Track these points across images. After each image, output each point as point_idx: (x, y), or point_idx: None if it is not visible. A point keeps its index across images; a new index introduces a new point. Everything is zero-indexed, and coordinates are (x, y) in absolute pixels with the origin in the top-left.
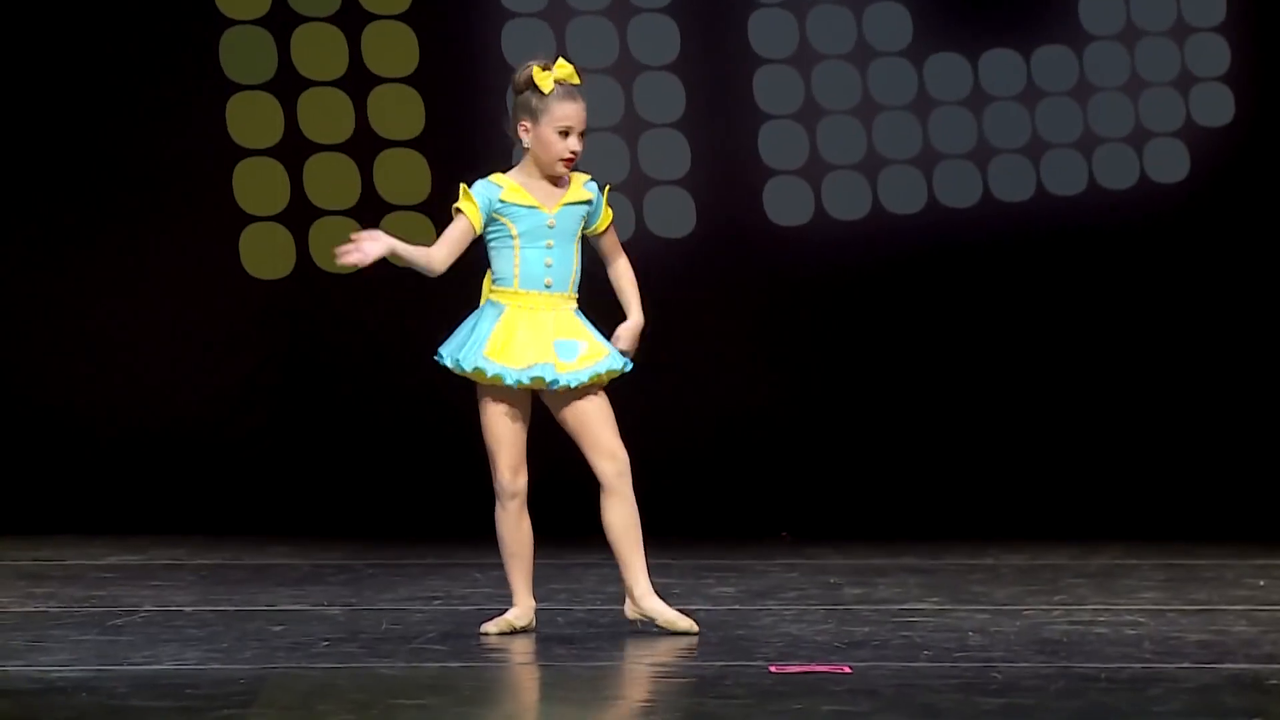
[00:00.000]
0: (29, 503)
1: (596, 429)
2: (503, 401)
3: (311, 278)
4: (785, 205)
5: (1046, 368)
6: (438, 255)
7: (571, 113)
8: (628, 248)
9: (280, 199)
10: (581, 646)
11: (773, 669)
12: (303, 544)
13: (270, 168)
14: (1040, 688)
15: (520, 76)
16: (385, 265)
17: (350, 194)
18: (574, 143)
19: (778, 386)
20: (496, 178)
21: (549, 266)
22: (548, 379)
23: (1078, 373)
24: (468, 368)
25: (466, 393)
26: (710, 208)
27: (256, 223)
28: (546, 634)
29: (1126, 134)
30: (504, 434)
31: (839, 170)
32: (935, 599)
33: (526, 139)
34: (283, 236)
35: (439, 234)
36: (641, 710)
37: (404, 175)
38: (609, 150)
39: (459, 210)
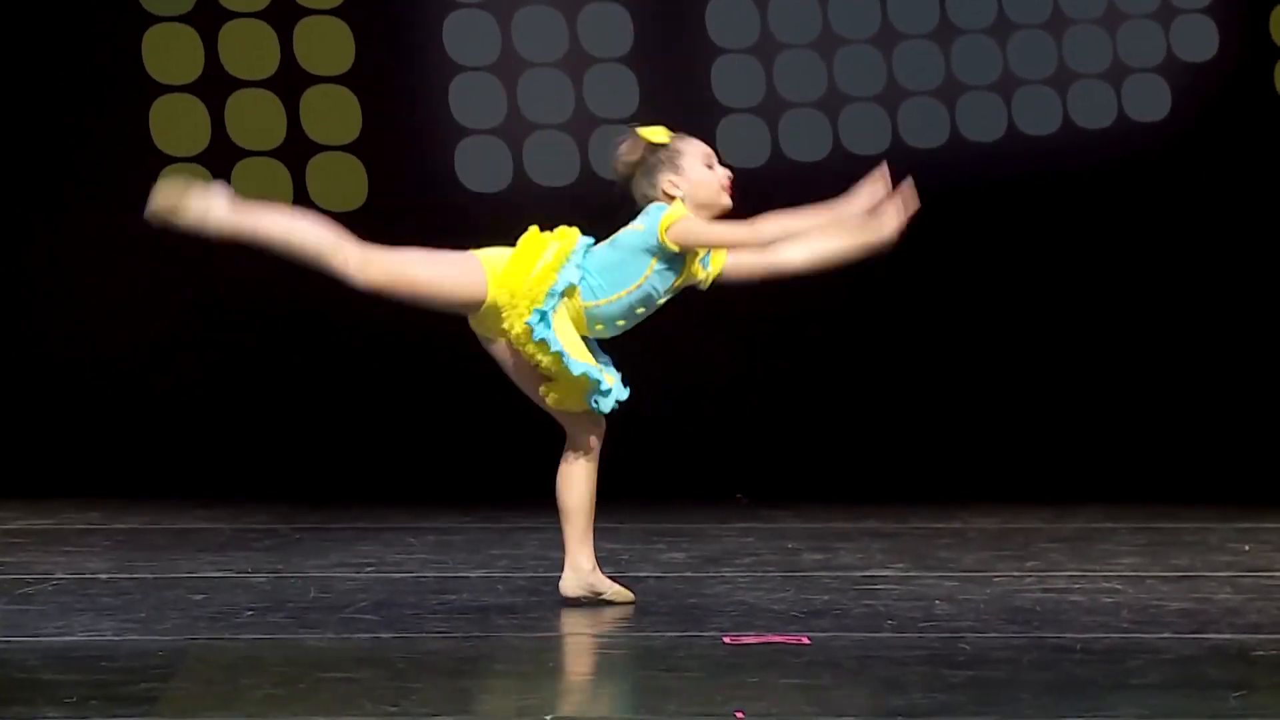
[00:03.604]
0: None
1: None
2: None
3: None
4: (740, 145)
5: (1018, 321)
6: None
7: (703, 144)
8: (570, 192)
9: (200, 139)
10: (524, 616)
11: (727, 640)
12: (226, 507)
13: (190, 105)
14: (1012, 659)
15: (632, 151)
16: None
17: (275, 133)
18: (722, 169)
19: (731, 342)
20: None
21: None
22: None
23: (1051, 326)
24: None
25: (398, 348)
26: None
27: (176, 164)
28: (486, 603)
29: (1104, 69)
30: None
31: (797, 108)
32: (900, 565)
33: (681, 191)
34: (204, 179)
35: (369, 174)
36: (588, 684)
37: (332, 113)
38: (550, 87)
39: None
